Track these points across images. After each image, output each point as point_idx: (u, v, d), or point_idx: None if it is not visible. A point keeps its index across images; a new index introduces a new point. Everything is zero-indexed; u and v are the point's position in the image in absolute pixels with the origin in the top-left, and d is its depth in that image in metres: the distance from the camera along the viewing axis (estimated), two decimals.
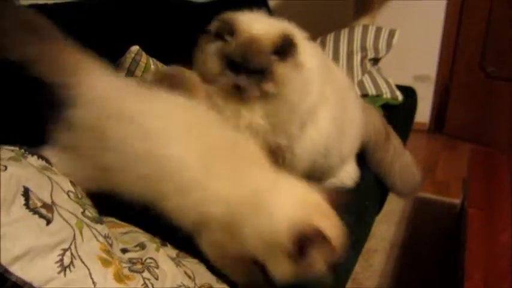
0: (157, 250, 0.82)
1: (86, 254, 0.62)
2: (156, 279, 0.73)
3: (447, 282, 1.60)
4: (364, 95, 2.03)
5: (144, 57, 1.08)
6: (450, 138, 2.80)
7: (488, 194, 1.51)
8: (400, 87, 2.11)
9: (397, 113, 1.97)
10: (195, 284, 0.81)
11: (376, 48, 2.08)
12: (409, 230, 1.95)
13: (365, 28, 2.12)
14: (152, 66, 1.09)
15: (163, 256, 0.82)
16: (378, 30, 2.12)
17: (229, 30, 0.93)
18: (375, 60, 2.12)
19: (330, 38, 2.12)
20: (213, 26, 0.96)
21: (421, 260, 1.76)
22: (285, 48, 0.94)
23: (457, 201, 2.03)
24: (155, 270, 0.75)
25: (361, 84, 2.03)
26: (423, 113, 2.81)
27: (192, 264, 0.90)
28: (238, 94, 0.94)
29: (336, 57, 2.04)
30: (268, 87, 0.94)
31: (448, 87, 2.80)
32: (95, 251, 0.64)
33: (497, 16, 2.56)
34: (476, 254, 1.21)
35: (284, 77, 0.95)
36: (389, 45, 2.10)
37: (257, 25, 0.95)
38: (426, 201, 2.18)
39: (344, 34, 2.11)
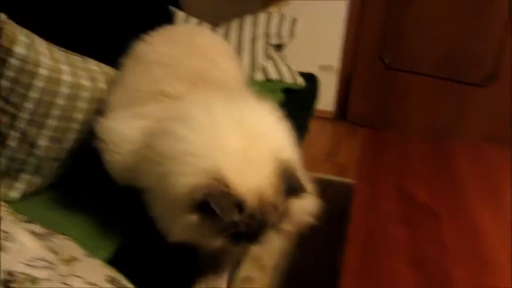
0: (15, 223, 0.77)
1: None
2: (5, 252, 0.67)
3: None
4: (267, 80, 2.07)
5: (12, 26, 0.99)
6: (353, 125, 2.96)
7: (376, 170, 1.61)
8: (302, 74, 2.18)
9: (299, 96, 2.04)
10: (58, 258, 0.76)
11: (279, 35, 2.13)
12: None
13: (269, 15, 2.16)
14: (22, 37, 1.00)
15: (23, 231, 0.77)
16: (282, 17, 2.17)
17: (236, 209, 0.72)
18: (278, 47, 2.17)
19: (235, 24, 2.13)
20: (197, 199, 0.72)
21: (320, 237, 1.83)
22: (293, 189, 0.79)
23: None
24: (6, 243, 0.70)
25: (264, 69, 2.06)
26: (328, 102, 2.94)
27: (61, 240, 0.85)
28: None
29: (240, 42, 2.06)
30: (285, 226, 0.82)
31: (350, 78, 2.95)
32: None
33: (395, 10, 2.75)
34: (358, 222, 1.28)
35: (299, 211, 0.84)
36: (292, 32, 2.16)
37: (254, 178, 0.73)
38: (328, 182, 2.28)
39: (248, 20, 2.13)
